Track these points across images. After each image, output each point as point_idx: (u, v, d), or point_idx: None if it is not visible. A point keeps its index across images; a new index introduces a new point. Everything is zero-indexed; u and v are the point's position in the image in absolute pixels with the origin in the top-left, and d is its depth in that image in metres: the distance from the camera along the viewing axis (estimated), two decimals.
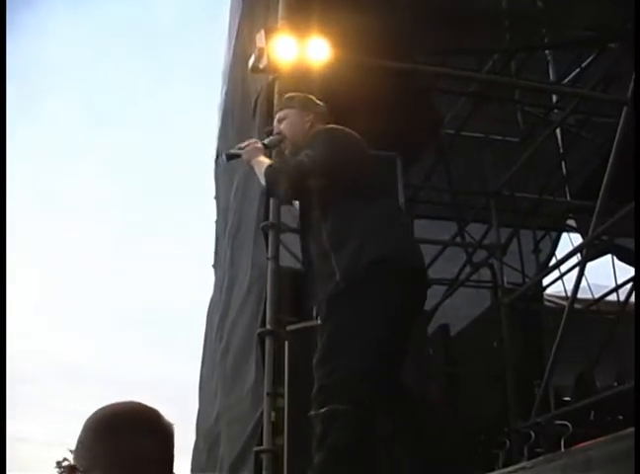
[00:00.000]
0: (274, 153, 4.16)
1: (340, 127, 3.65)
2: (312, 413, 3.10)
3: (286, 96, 3.94)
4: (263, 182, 3.54)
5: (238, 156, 3.82)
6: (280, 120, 3.87)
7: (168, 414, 1.72)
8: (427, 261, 5.06)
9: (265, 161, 3.61)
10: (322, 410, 3.02)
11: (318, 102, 3.91)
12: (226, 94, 9.71)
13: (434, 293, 7.36)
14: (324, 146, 3.46)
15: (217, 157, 10.52)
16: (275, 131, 3.89)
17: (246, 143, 3.81)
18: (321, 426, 3.03)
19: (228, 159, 3.95)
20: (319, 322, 3.60)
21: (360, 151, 3.65)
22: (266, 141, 3.81)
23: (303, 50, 5.41)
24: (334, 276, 3.24)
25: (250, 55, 6.01)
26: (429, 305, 6.90)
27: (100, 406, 1.72)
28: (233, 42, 8.93)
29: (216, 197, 10.39)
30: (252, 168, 3.71)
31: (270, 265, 5.38)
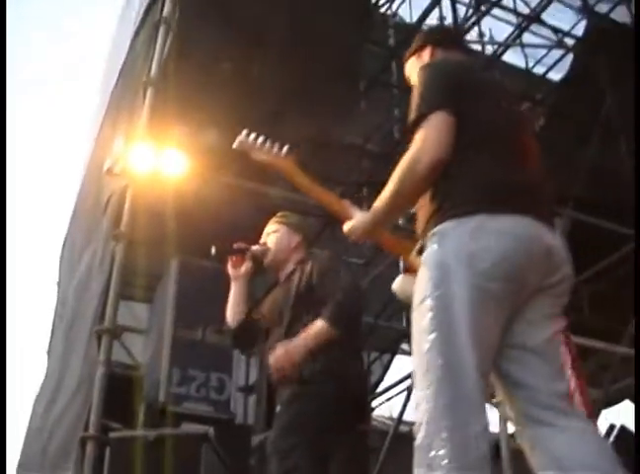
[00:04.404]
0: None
1: None
2: None
3: (282, 213, 3.97)
4: None
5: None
6: (268, 233, 3.91)
7: None
8: None
9: None
10: None
11: (308, 226, 3.99)
12: (82, 182, 9.67)
13: None
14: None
15: (64, 243, 10.39)
16: (261, 241, 3.91)
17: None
18: None
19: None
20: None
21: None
22: (252, 248, 3.82)
23: (160, 161, 5.54)
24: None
25: (108, 156, 6.09)
26: None
27: None
28: (95, 135, 8.96)
29: (58, 285, 10.21)
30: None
31: (99, 369, 5.32)
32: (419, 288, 2.26)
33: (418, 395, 2.15)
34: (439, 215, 2.32)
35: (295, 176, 3.13)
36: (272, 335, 3.67)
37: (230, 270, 3.84)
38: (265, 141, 3.17)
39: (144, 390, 6.50)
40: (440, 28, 3.69)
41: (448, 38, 2.99)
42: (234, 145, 3.23)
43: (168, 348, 6.02)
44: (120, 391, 5.69)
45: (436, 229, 2.29)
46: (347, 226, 2.70)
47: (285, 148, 3.14)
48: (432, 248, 2.27)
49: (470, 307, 2.13)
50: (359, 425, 3.54)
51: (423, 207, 2.43)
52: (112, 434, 4.96)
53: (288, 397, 3.37)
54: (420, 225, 2.43)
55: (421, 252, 2.36)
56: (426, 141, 2.35)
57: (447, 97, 2.42)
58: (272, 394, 3.62)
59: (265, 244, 3.87)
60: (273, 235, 3.87)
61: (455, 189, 2.33)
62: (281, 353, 3.31)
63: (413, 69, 2.85)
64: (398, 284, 2.76)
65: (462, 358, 2.09)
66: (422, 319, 2.18)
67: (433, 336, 2.12)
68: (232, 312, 3.83)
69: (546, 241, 2.31)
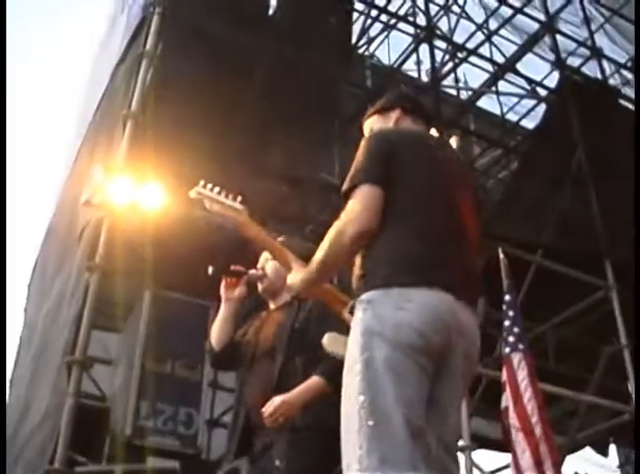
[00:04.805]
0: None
1: None
2: None
3: (282, 239, 3.90)
4: None
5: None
6: (267, 258, 3.83)
7: None
8: None
9: None
10: None
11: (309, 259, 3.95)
12: (56, 208, 9.61)
13: None
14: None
15: (34, 268, 10.31)
16: (259, 265, 3.84)
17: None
18: None
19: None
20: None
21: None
22: (249, 273, 3.77)
23: (138, 194, 5.52)
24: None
25: (85, 185, 6.06)
26: None
27: None
28: (72, 161, 8.90)
29: (26, 310, 10.09)
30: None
31: (68, 401, 5.23)
32: (349, 352, 2.35)
33: (349, 457, 2.22)
34: (366, 282, 2.40)
35: (246, 226, 3.22)
36: (258, 362, 3.65)
37: (223, 291, 3.78)
38: (220, 192, 3.25)
39: (111, 423, 6.43)
40: (409, 95, 3.71)
41: (417, 107, 3.05)
42: (191, 194, 3.29)
43: (137, 380, 5.98)
44: (85, 423, 5.61)
45: (364, 296, 2.36)
46: (288, 280, 2.78)
47: (239, 199, 3.23)
48: (359, 314, 2.35)
49: (395, 370, 2.22)
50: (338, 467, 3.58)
51: (355, 268, 2.51)
52: (78, 469, 4.86)
53: (285, 447, 3.37)
54: (353, 283, 2.51)
55: (352, 311, 2.43)
56: (352, 213, 2.43)
57: (380, 169, 2.50)
58: (248, 427, 3.58)
59: (263, 269, 3.83)
60: (271, 262, 3.78)
61: (381, 259, 2.41)
62: (279, 403, 3.31)
63: (371, 126, 2.92)
64: (328, 342, 2.82)
65: (390, 417, 2.17)
66: (352, 382, 2.27)
67: (362, 398, 2.21)
68: (218, 333, 3.77)
69: (461, 319, 2.39)
